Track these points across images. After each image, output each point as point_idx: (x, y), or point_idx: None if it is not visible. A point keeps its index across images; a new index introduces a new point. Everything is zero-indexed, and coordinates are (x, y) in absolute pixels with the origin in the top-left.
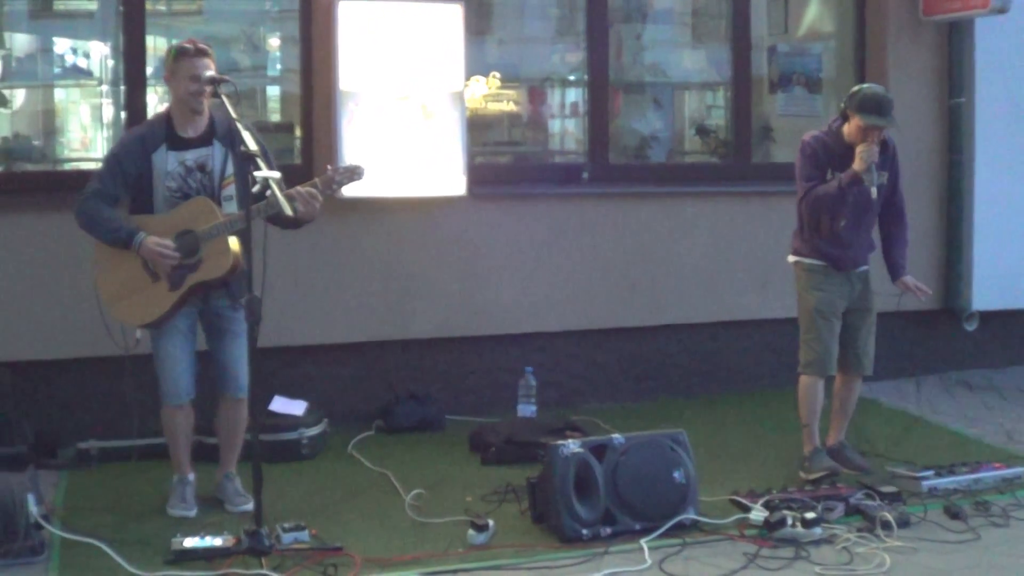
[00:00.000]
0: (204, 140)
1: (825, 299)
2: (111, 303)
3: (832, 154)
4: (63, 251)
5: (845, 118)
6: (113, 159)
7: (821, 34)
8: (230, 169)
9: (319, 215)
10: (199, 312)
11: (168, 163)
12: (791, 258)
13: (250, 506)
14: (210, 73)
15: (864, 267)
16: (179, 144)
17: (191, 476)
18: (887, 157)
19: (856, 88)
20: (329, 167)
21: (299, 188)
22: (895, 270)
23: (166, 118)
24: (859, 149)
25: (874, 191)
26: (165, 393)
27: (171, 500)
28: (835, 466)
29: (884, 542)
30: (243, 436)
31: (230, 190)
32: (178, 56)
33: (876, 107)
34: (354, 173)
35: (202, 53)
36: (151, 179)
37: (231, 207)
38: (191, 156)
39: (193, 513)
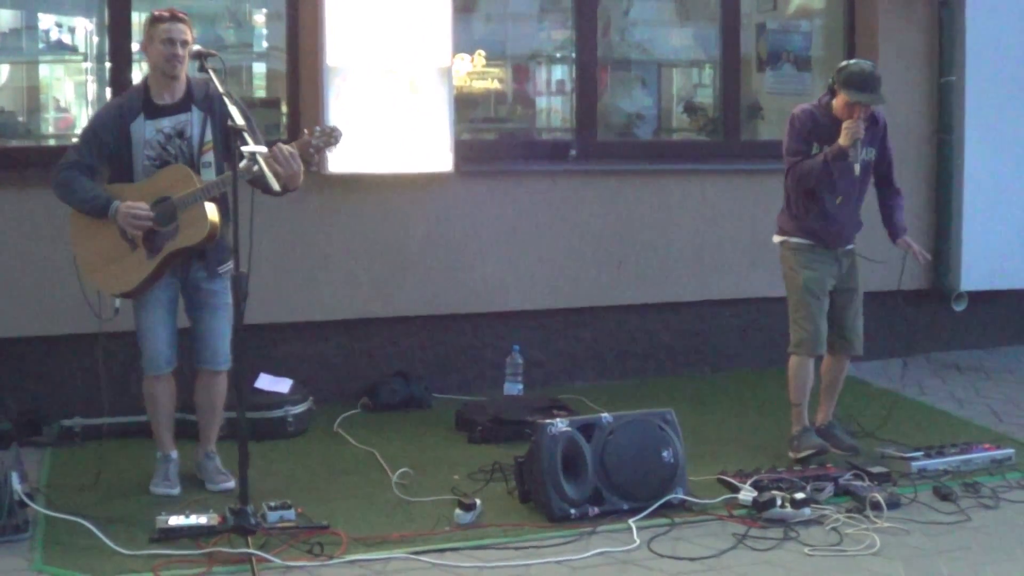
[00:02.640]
0: (181, 107)
1: (814, 277)
2: (89, 272)
3: (821, 127)
4: (46, 227)
5: (834, 93)
6: (90, 130)
7: (810, 11)
8: (209, 135)
9: (306, 191)
10: (180, 284)
11: (146, 131)
12: (776, 238)
13: (231, 484)
14: (197, 47)
15: (850, 245)
16: (156, 112)
17: (173, 453)
18: (877, 133)
19: (844, 63)
20: (306, 130)
21: (280, 146)
22: (896, 230)
23: (143, 87)
24: (845, 124)
25: (857, 168)
26: (146, 363)
27: (154, 478)
28: (823, 444)
29: (874, 523)
30: (222, 411)
31: (208, 156)
32: (153, 22)
33: (862, 83)
34: (331, 136)
35: (177, 19)
36: (130, 149)
37: (209, 174)
38: (168, 123)
39: (176, 491)
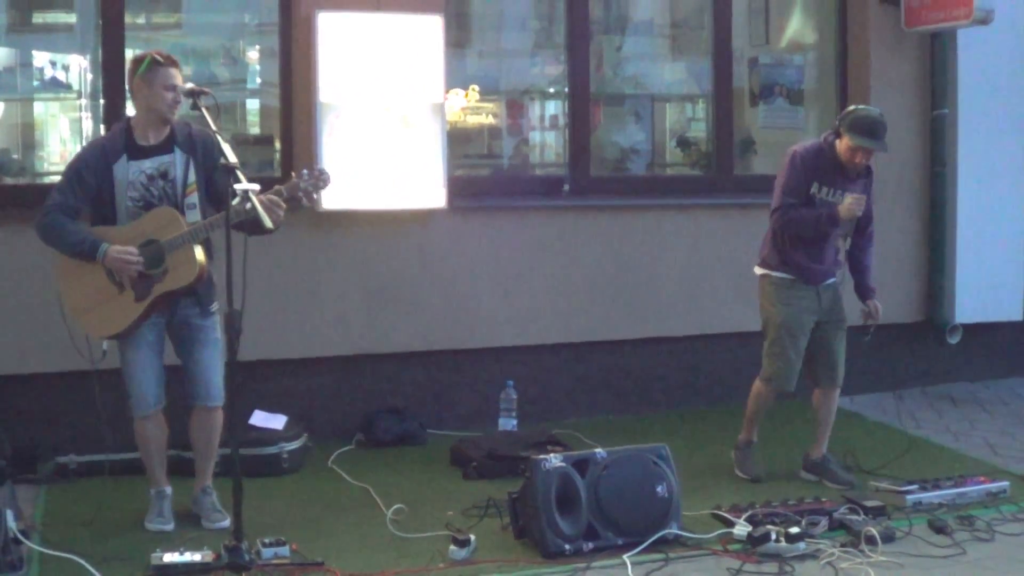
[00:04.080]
0: (164, 148)
1: (793, 315)
2: (77, 315)
3: (822, 166)
4: (41, 265)
5: (838, 134)
6: (72, 171)
7: (803, 45)
8: (192, 177)
9: (299, 227)
10: (166, 323)
11: (129, 173)
12: (758, 270)
13: (227, 522)
14: (190, 85)
15: (832, 279)
16: (139, 153)
17: (167, 489)
18: (869, 182)
19: (852, 108)
20: (294, 174)
21: (261, 196)
22: (865, 292)
23: (126, 128)
24: (849, 200)
25: (847, 241)
26: (134, 404)
27: (148, 514)
28: (757, 476)
29: (869, 557)
30: (218, 447)
31: (193, 198)
32: (153, 65)
33: (868, 129)
34: (320, 179)
35: (175, 64)
36: (112, 190)
37: (194, 215)
38: (149, 164)
39: (170, 527)
